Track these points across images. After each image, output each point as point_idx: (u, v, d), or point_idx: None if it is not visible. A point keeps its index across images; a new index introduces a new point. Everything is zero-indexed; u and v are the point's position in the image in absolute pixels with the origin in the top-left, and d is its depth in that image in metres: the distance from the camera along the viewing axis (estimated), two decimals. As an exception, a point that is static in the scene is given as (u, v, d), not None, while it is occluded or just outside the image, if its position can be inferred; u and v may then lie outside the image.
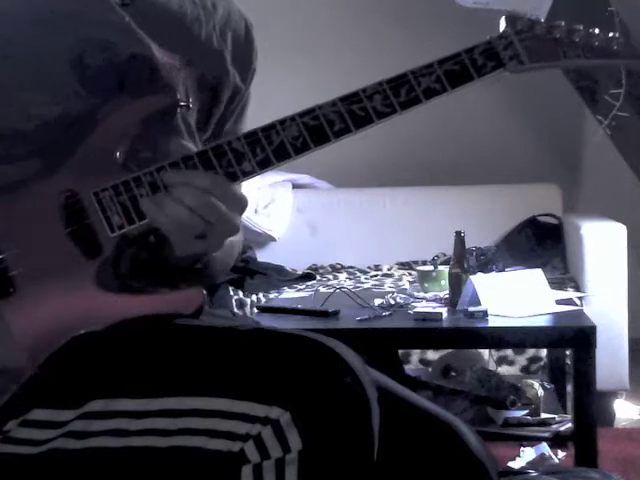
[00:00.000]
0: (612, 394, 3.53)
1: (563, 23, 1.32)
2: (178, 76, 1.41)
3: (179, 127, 1.41)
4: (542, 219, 4.22)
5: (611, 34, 1.32)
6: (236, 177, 1.29)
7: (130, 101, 1.33)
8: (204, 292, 1.30)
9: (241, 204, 1.30)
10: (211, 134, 1.49)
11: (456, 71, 1.29)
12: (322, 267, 4.21)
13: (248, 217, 4.07)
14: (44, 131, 1.33)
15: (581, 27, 1.32)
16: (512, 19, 1.31)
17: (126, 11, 1.39)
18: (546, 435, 2.72)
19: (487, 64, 1.29)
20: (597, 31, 1.32)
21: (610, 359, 3.38)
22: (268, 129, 1.28)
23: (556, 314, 2.72)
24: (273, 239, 4.25)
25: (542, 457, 2.79)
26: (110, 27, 1.38)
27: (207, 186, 1.26)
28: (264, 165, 1.29)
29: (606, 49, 1.31)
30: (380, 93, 1.28)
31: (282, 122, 1.28)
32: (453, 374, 2.99)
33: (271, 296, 3.60)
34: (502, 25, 1.32)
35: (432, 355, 3.41)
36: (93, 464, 1.23)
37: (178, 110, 1.39)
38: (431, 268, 3.18)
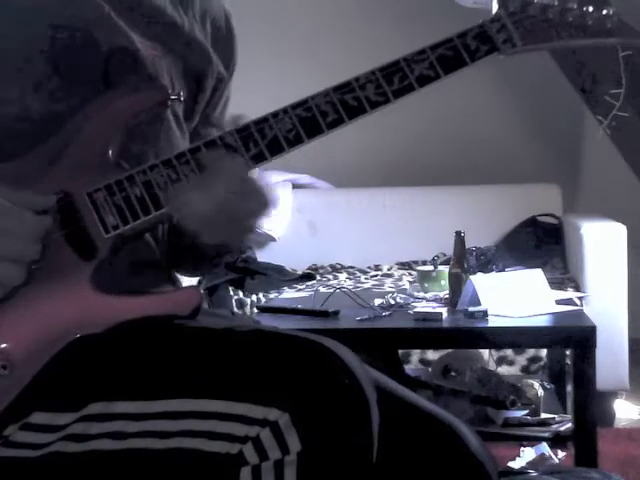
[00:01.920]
0: (612, 394, 3.53)
1: (557, 2, 1.28)
2: (162, 66, 1.39)
3: (168, 120, 1.40)
4: (542, 219, 4.22)
5: (605, 11, 1.29)
6: None
7: (119, 97, 1.30)
8: (201, 292, 1.28)
9: (265, 203, 1.28)
10: (197, 124, 1.48)
11: (449, 56, 1.26)
12: (322, 267, 4.21)
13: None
14: (31, 130, 1.30)
15: (575, 5, 1.29)
16: (504, 0, 1.28)
17: (105, 1, 1.37)
18: (546, 435, 2.72)
19: (480, 48, 1.27)
20: (591, 9, 1.29)
21: (610, 359, 3.38)
22: (260, 122, 1.26)
23: (556, 314, 2.72)
24: (273, 239, 4.25)
25: (542, 457, 2.79)
26: (90, 18, 1.35)
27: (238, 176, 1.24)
28: (258, 160, 1.27)
29: (600, 28, 1.29)
30: (373, 82, 1.26)
31: (275, 115, 1.26)
32: (453, 374, 2.99)
33: (271, 296, 3.60)
34: (494, 7, 1.29)
35: (432, 355, 3.41)
36: (93, 467, 1.23)
37: (169, 104, 1.37)
38: (431, 268, 3.18)
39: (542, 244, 4.08)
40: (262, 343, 1.25)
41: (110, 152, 1.29)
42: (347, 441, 1.16)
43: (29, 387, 1.23)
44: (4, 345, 1.23)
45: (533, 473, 2.30)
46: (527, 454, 2.82)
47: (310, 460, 1.15)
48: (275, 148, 1.26)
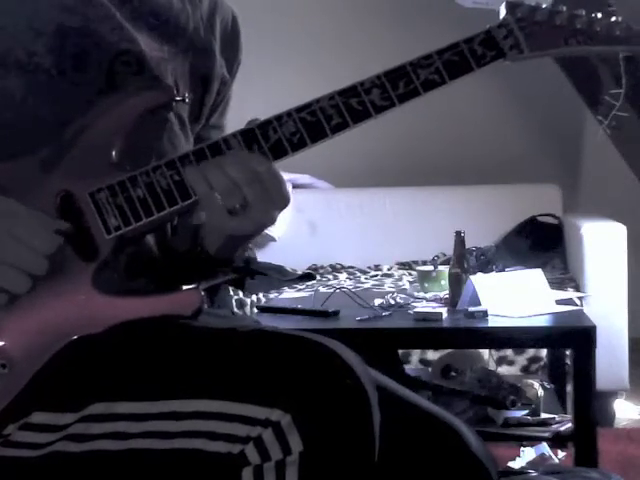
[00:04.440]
0: (612, 394, 3.53)
1: (565, 9, 1.27)
2: (167, 69, 1.40)
3: (171, 121, 1.40)
4: (542, 219, 4.22)
5: (613, 19, 1.27)
6: None
7: (124, 98, 1.31)
8: (202, 293, 1.28)
9: (284, 201, 1.28)
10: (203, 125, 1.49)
11: (455, 62, 1.26)
12: (322, 267, 4.21)
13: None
14: (37, 130, 1.31)
15: (583, 12, 1.27)
16: (512, 6, 1.27)
17: (112, 3, 1.38)
18: (546, 435, 2.71)
19: (487, 54, 1.26)
20: (599, 16, 1.27)
21: (610, 359, 3.38)
22: (264, 125, 1.26)
23: (556, 314, 2.72)
24: (273, 239, 4.25)
25: (542, 457, 2.79)
26: (97, 20, 1.36)
27: (261, 170, 1.24)
28: None
29: (608, 35, 1.27)
30: (378, 86, 1.25)
31: (279, 118, 1.26)
32: (453, 374, 2.99)
33: (271, 296, 3.60)
34: (502, 12, 1.27)
35: (432, 355, 3.41)
36: (93, 467, 1.23)
37: (174, 105, 1.37)
38: (431, 268, 3.18)
39: (542, 244, 4.08)
40: (264, 343, 1.25)
41: (113, 153, 1.29)
42: (349, 441, 1.16)
43: (29, 386, 1.23)
44: (3, 343, 1.23)
45: (533, 473, 2.29)
46: (527, 454, 2.81)
47: (312, 461, 1.15)
48: (279, 151, 1.26)
